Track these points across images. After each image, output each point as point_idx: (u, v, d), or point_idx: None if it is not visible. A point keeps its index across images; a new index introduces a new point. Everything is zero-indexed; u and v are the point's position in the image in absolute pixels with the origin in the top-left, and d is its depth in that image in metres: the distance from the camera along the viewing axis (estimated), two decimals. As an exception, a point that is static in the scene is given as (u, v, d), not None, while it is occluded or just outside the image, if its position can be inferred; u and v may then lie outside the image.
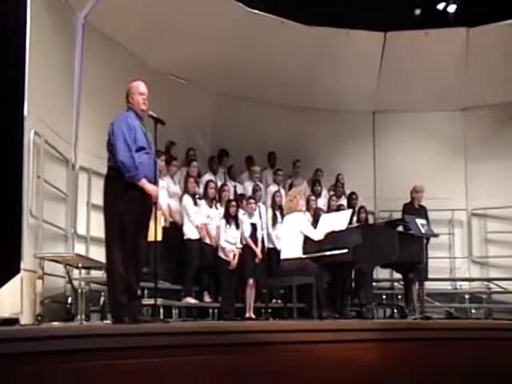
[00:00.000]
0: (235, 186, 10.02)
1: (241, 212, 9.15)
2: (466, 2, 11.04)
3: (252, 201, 9.27)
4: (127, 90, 5.66)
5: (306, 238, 8.03)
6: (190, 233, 8.83)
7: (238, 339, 4.10)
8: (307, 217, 8.88)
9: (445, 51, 11.23)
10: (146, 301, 6.87)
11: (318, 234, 7.99)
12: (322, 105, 11.88)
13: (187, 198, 8.88)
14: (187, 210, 8.84)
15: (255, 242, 9.15)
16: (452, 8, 11.19)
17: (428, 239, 8.68)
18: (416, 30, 11.15)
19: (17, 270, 6.23)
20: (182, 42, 9.93)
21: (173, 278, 8.71)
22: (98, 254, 7.08)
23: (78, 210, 8.23)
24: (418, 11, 11.22)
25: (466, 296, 11.50)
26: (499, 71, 11.18)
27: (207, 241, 8.93)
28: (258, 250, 9.12)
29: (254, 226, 9.20)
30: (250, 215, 9.20)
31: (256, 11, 10.36)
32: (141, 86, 5.66)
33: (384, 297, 11.26)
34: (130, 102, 5.62)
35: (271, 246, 9.56)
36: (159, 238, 6.81)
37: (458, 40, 11.21)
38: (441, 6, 11.25)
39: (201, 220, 8.90)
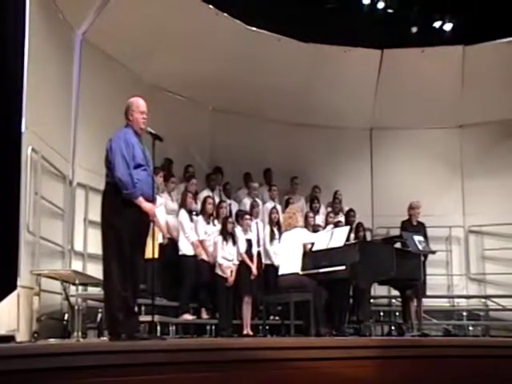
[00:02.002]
0: (230, 204, 9.96)
1: (238, 228, 9.14)
2: (462, 20, 11.12)
3: (247, 217, 9.27)
4: (127, 106, 5.64)
5: (305, 254, 8.02)
6: (185, 249, 8.81)
7: (235, 356, 4.08)
8: (306, 232, 8.89)
9: (441, 69, 11.30)
10: (143, 317, 6.84)
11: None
12: (319, 121, 11.92)
13: (183, 214, 8.86)
14: (183, 226, 8.83)
15: (251, 258, 9.13)
16: (448, 26, 11.28)
17: (426, 256, 8.69)
18: (413, 47, 11.24)
19: (13, 287, 6.20)
20: (180, 59, 9.98)
21: (170, 294, 8.69)
22: (95, 270, 7.07)
23: (75, 227, 8.22)
24: (414, 29, 11.30)
25: (464, 313, 11.47)
26: (495, 89, 11.25)
27: (204, 257, 8.91)
28: (254, 267, 9.08)
29: (249, 241, 9.17)
30: (245, 231, 9.18)
31: (253, 28, 10.42)
32: (141, 105, 5.63)
33: (382, 314, 11.22)
34: (130, 119, 5.60)
35: (269, 262, 9.54)
36: (156, 255, 6.80)
37: (454, 58, 11.28)
38: (437, 24, 11.34)
39: (196, 236, 8.88)
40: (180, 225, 8.85)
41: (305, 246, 8.14)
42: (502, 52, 10.95)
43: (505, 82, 11.13)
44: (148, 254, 5.93)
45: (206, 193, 9.81)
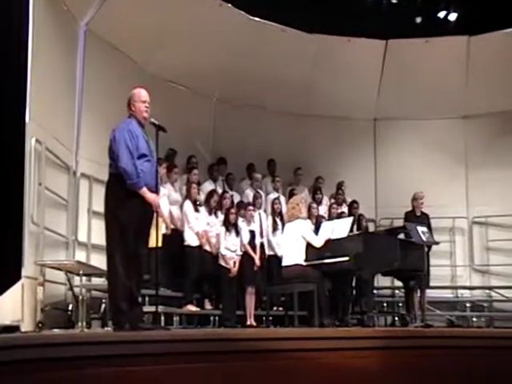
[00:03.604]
0: (232, 196, 9.91)
1: (240, 219, 9.14)
2: (466, 10, 11.07)
3: (250, 208, 9.27)
4: (129, 97, 5.65)
5: (308, 245, 8.02)
6: (190, 239, 8.82)
7: (238, 347, 4.10)
8: (309, 224, 8.90)
9: (446, 59, 11.26)
10: (147, 308, 6.86)
11: (318, 241, 7.99)
12: (323, 112, 11.90)
13: (188, 205, 8.87)
14: (187, 217, 8.83)
15: (254, 249, 9.13)
16: (453, 16, 11.23)
17: (430, 247, 8.68)
18: (417, 38, 11.19)
19: (18, 277, 6.23)
20: (183, 49, 9.96)
21: (174, 285, 8.70)
22: (99, 260, 7.09)
23: (79, 217, 8.23)
24: (418, 19, 11.25)
25: (468, 304, 11.47)
26: (500, 79, 11.21)
27: (207, 248, 8.92)
28: (257, 257, 9.08)
29: (252, 232, 9.18)
30: (249, 222, 9.18)
31: (257, 19, 10.39)
32: (143, 94, 5.65)
33: (385, 304, 11.24)
34: (132, 109, 5.61)
35: (272, 253, 9.55)
36: (160, 244, 6.80)
37: (458, 48, 11.24)
38: (442, 15, 11.29)
39: (201, 227, 8.89)
40: (184, 215, 8.86)
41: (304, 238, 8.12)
42: (507, 42, 10.90)
43: (510, 72, 11.08)
44: (152, 244, 5.93)
45: (208, 184, 9.83)
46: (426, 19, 11.25)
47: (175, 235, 8.76)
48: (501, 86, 11.27)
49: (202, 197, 9.34)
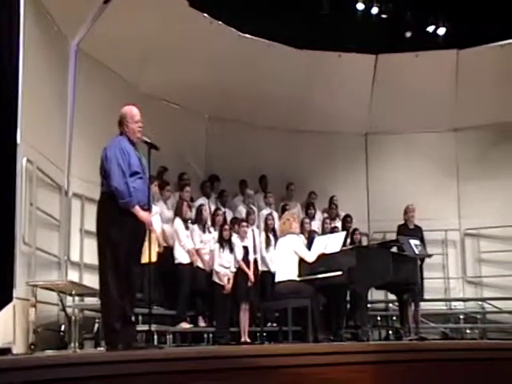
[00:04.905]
0: (224, 213, 9.83)
1: (234, 236, 9.13)
2: (455, 24, 11.16)
3: (244, 224, 9.26)
4: (120, 116, 5.59)
5: (301, 261, 8.01)
6: (181, 257, 8.80)
7: (233, 364, 4.09)
8: (301, 239, 8.89)
9: (435, 73, 11.35)
10: (141, 327, 6.83)
11: (311, 256, 7.98)
12: (315, 127, 11.93)
13: (178, 222, 8.85)
14: (178, 234, 8.81)
15: (247, 265, 9.11)
16: (442, 30, 11.32)
17: (422, 260, 8.68)
18: (407, 52, 11.28)
19: (9, 299, 6.18)
20: (175, 67, 9.99)
21: (167, 303, 8.67)
22: (92, 280, 7.05)
23: (71, 237, 8.20)
24: (408, 34, 11.33)
25: (461, 316, 11.48)
26: (489, 92, 11.28)
27: (200, 265, 8.90)
28: (251, 274, 9.07)
29: (245, 248, 9.17)
30: (242, 238, 9.17)
31: (248, 35, 10.45)
32: (136, 114, 5.59)
33: (379, 318, 11.22)
34: (126, 129, 5.56)
35: (265, 269, 9.53)
36: (154, 258, 6.76)
37: (448, 62, 11.34)
38: (431, 29, 11.37)
39: (192, 244, 8.87)
40: (175, 233, 8.84)
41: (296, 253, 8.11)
42: (496, 55, 11.01)
43: (499, 85, 11.17)
44: (145, 259, 5.89)
45: (201, 201, 9.82)
46: (415, 34, 11.32)
47: (168, 253, 8.74)
48: (490, 98, 11.34)
49: (194, 214, 9.33)
